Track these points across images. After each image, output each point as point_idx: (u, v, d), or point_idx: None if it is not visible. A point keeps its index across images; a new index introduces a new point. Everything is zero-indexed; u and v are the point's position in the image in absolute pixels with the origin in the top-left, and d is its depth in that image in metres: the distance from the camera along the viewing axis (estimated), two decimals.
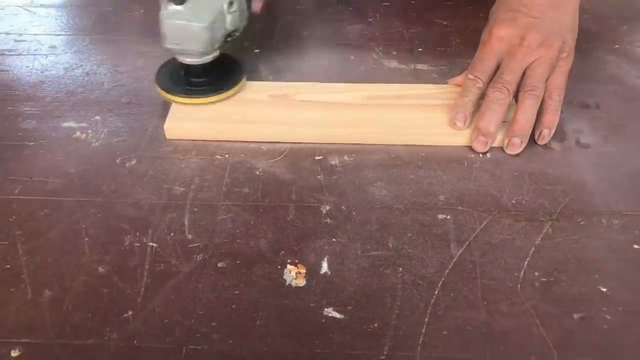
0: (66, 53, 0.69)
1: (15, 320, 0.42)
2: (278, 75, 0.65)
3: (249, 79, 0.62)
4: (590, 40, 0.71)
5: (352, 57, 0.68)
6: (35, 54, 0.69)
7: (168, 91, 0.59)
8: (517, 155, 0.55)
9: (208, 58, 0.58)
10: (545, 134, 0.55)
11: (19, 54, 0.69)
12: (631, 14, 0.76)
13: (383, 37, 0.72)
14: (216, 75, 0.59)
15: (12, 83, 0.64)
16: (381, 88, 0.61)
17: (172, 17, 0.54)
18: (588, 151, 0.56)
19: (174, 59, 0.59)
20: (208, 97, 0.58)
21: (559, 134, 0.57)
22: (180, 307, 0.43)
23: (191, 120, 0.57)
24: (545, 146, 0.56)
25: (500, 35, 0.56)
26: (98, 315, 0.42)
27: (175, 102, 0.58)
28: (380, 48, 0.70)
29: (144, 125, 0.59)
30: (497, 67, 0.56)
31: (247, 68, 0.63)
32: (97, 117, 0.60)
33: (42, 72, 0.66)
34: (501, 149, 0.56)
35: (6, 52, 0.69)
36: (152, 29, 0.68)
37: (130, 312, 0.43)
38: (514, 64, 0.55)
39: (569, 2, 0.58)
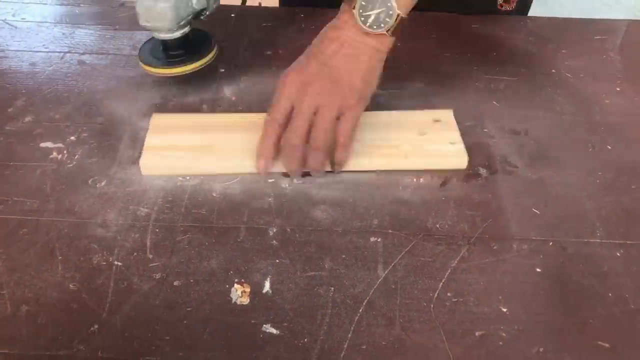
0: (45, 71, 0.74)
1: None
2: (241, 95, 0.71)
3: (216, 101, 0.68)
4: (531, 64, 0.77)
5: None
6: (15, 72, 0.74)
7: (148, 64, 0.68)
8: (447, 181, 0.62)
9: (177, 34, 0.66)
10: (337, 169, 0.61)
11: (1, 71, 0.74)
12: (572, 37, 0.82)
13: None
14: (189, 48, 0.69)
15: None
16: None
17: None
18: (512, 177, 0.63)
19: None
20: (185, 65, 0.68)
21: (487, 160, 0.64)
22: (139, 322, 0.50)
23: (163, 165, 0.62)
24: (474, 172, 0.63)
25: (290, 80, 0.59)
26: (68, 329, 0.49)
27: (152, 72, 0.68)
28: None
29: (115, 146, 0.65)
30: (292, 108, 0.59)
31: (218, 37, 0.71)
32: (73, 138, 0.66)
33: (22, 90, 0.72)
34: (432, 174, 0.62)
35: None
36: (128, 52, 0.74)
37: (96, 326, 0.50)
38: (303, 109, 0.57)
39: (362, 55, 0.59)
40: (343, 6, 0.60)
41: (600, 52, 0.80)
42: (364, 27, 0.58)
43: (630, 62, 0.78)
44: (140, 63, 0.69)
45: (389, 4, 0.57)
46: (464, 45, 0.80)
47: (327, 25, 0.61)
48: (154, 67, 0.68)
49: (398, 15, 0.58)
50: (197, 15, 0.68)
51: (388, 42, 0.60)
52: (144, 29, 0.66)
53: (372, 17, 0.57)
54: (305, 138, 0.58)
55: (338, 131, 0.58)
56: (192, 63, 0.68)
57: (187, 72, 0.68)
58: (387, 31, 0.58)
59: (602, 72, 0.76)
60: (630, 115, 0.70)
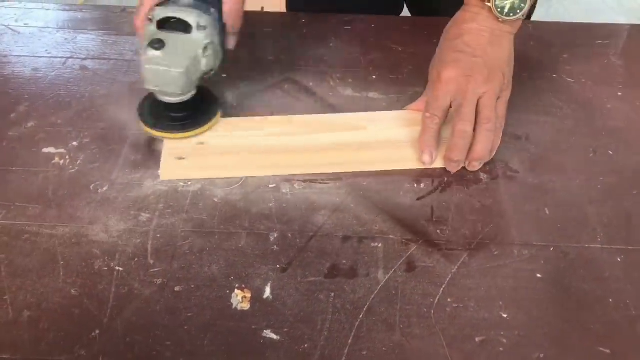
0: (48, 77, 0.75)
1: None
2: (242, 101, 0.72)
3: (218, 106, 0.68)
4: (532, 68, 0.77)
5: (311, 84, 0.74)
6: (18, 77, 0.75)
7: (150, 126, 0.65)
8: (448, 186, 0.62)
9: (185, 97, 0.64)
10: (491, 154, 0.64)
11: (4, 77, 0.75)
12: (573, 42, 0.82)
13: (341, 63, 0.78)
14: (194, 110, 0.66)
15: None
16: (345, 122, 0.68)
17: (151, 63, 0.60)
18: (513, 182, 0.63)
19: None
20: (187, 131, 0.65)
21: (489, 165, 0.64)
22: (140, 327, 0.50)
23: (183, 167, 0.63)
24: (475, 177, 0.63)
25: (449, 76, 0.62)
26: (69, 334, 0.50)
27: (156, 136, 0.65)
28: (337, 75, 0.76)
29: (116, 151, 0.65)
30: (450, 104, 0.63)
31: (220, 100, 0.69)
32: (75, 143, 0.66)
33: (25, 96, 0.72)
34: (433, 179, 0.62)
35: None
36: (130, 57, 0.74)
37: (97, 331, 0.50)
38: (468, 100, 0.61)
39: (503, 41, 0.65)
40: (467, 0, 0.65)
41: (602, 57, 0.80)
42: (502, 16, 0.62)
43: (632, 66, 0.78)
44: (142, 125, 0.65)
45: None
46: None
47: (456, 20, 0.66)
48: (158, 130, 0.65)
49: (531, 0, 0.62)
50: (203, 76, 0.65)
51: (519, 24, 0.65)
52: (148, 90, 0.64)
53: (508, 6, 0.62)
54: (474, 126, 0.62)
55: (496, 115, 0.62)
56: (196, 128, 0.66)
57: (192, 136, 0.66)
58: (522, 16, 0.63)
59: (604, 77, 0.76)
60: (631, 120, 0.70)
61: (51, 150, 0.65)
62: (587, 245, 0.57)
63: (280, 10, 0.97)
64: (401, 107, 0.71)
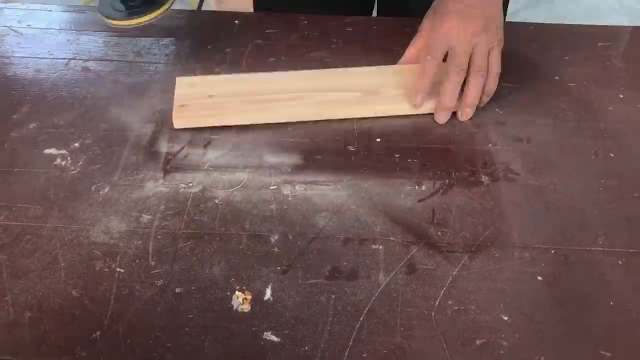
0: (50, 78, 0.75)
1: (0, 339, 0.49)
2: None
3: None
4: (533, 71, 0.77)
5: None
6: (20, 78, 0.75)
7: (108, 16, 0.70)
8: (448, 188, 0.62)
9: None
10: (485, 100, 0.70)
11: (7, 78, 0.75)
12: (575, 44, 0.82)
13: (343, 65, 0.77)
14: None
15: None
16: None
17: None
18: (514, 185, 0.63)
19: None
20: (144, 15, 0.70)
21: (490, 167, 0.64)
22: (141, 329, 0.50)
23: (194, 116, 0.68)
24: (476, 179, 0.63)
25: (451, 24, 0.67)
26: (70, 336, 0.50)
27: (114, 24, 0.70)
28: None
29: (118, 152, 0.65)
30: (446, 51, 0.67)
31: None
32: (76, 144, 0.66)
33: (27, 97, 0.72)
34: (434, 181, 0.62)
35: None
36: (132, 58, 0.74)
37: (98, 333, 0.50)
38: (464, 47, 0.66)
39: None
40: None
41: (604, 59, 0.79)
42: None
43: (634, 68, 0.78)
44: (102, 17, 0.70)
45: None
46: None
47: None
48: (116, 19, 0.70)
49: None
50: None
51: None
52: None
53: None
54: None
55: (491, 63, 0.68)
56: (151, 13, 0.70)
57: (148, 22, 0.70)
58: None
59: (606, 79, 0.76)
60: (633, 122, 0.70)
61: (53, 151, 0.66)
62: (588, 248, 0.57)
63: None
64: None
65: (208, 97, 0.69)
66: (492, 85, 0.69)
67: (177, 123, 0.67)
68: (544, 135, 0.68)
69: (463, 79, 0.67)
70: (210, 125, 0.68)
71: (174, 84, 0.71)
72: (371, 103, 0.70)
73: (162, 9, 0.70)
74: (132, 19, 0.70)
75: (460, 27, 0.66)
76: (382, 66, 0.75)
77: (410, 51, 0.74)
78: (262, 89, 0.70)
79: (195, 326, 0.50)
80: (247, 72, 0.74)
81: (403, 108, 0.70)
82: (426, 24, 0.72)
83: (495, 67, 0.68)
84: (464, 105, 0.68)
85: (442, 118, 0.69)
